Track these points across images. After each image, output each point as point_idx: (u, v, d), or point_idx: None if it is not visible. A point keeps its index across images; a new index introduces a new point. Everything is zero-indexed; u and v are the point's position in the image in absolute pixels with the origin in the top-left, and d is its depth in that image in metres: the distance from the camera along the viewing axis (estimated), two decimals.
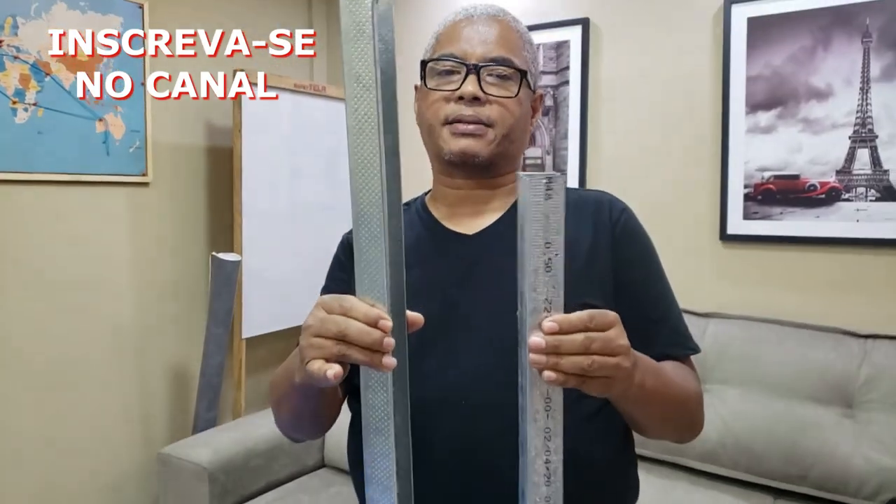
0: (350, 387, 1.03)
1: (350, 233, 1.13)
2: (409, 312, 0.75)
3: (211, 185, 2.72)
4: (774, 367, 1.96)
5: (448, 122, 1.00)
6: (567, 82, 2.50)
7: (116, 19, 2.32)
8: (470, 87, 0.98)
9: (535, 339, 0.69)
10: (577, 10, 2.50)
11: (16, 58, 2.12)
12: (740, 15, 2.20)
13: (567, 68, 2.50)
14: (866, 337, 1.94)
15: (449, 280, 1.00)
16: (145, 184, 2.49)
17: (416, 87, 1.10)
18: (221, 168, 2.71)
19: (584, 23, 2.46)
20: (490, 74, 1.00)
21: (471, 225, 1.05)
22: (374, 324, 0.69)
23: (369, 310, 0.70)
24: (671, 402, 0.94)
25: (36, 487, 2.24)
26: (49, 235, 2.25)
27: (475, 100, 0.99)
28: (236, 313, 2.50)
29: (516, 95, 1.01)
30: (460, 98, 0.99)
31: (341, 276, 1.09)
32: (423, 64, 1.05)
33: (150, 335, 2.55)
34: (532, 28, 2.54)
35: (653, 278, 1.05)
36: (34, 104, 2.17)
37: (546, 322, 0.69)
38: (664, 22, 2.35)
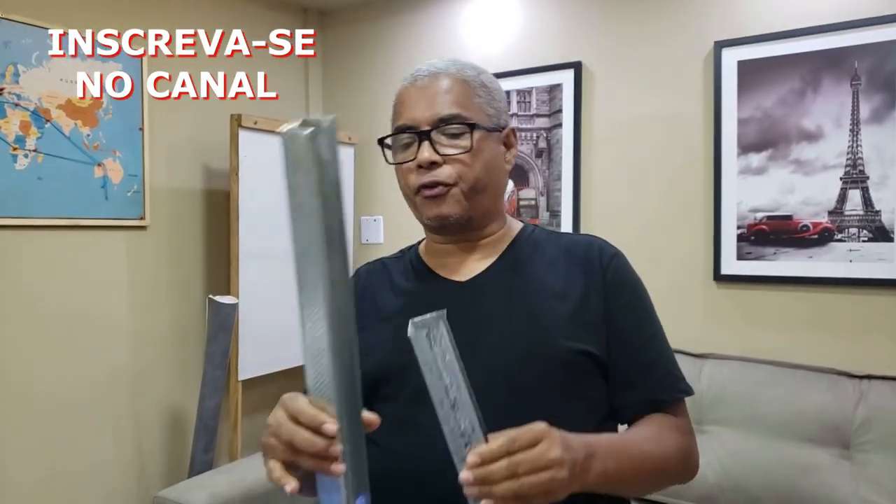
0: None
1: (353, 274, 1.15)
2: (365, 413, 0.75)
3: (208, 228, 2.74)
4: (771, 408, 1.95)
5: (416, 191, 1.03)
6: (560, 125, 2.53)
7: (116, 65, 2.36)
8: (425, 153, 1.00)
9: (464, 474, 0.72)
10: (569, 54, 2.53)
11: (17, 105, 2.16)
12: (731, 58, 2.23)
13: (560, 111, 2.53)
14: (862, 377, 1.93)
15: None
16: (143, 227, 2.50)
17: None
18: (218, 211, 2.73)
19: (577, 66, 2.50)
20: (443, 134, 1.01)
21: (463, 272, 1.06)
22: (318, 430, 0.70)
23: (315, 415, 0.71)
24: (644, 473, 0.93)
25: None
26: (48, 280, 2.26)
27: (433, 164, 1.01)
28: (233, 355, 2.50)
29: (470, 150, 1.01)
30: (420, 166, 1.01)
31: None
32: (381, 141, 1.08)
33: (147, 377, 2.55)
34: (525, 71, 2.59)
35: (644, 322, 1.05)
36: (34, 150, 2.20)
37: (469, 457, 0.72)
38: (656, 65, 2.38)
